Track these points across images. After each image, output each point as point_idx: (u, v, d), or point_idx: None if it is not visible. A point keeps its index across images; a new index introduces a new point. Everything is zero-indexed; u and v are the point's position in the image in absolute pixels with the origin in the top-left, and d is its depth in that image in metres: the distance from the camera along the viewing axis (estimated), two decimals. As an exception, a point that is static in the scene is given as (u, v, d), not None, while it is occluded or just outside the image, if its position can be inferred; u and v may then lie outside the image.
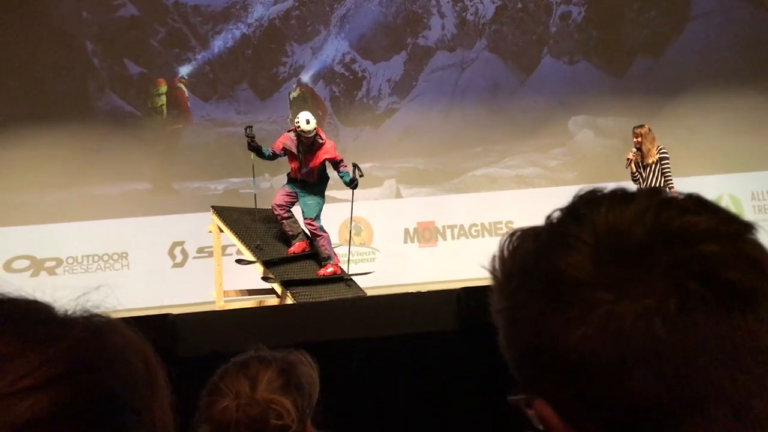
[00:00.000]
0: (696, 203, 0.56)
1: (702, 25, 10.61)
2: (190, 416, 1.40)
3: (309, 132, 6.24)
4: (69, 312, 0.54)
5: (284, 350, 1.56)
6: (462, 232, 9.88)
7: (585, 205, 0.58)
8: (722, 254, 0.52)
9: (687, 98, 10.28)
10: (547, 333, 0.55)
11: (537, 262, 0.57)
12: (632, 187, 0.61)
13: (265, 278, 6.22)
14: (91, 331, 0.52)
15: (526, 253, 0.58)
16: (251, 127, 6.51)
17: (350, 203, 6.92)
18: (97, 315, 0.54)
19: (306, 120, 6.24)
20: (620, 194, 0.58)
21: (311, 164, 6.38)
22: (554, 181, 10.11)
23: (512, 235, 0.61)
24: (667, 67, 10.52)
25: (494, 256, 0.62)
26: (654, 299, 0.51)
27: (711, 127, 10.26)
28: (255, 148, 6.43)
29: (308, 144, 6.32)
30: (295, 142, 6.36)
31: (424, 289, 6.25)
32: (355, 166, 6.61)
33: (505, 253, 0.61)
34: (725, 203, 9.95)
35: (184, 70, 10.20)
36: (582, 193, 0.60)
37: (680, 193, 0.58)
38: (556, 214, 0.60)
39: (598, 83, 10.48)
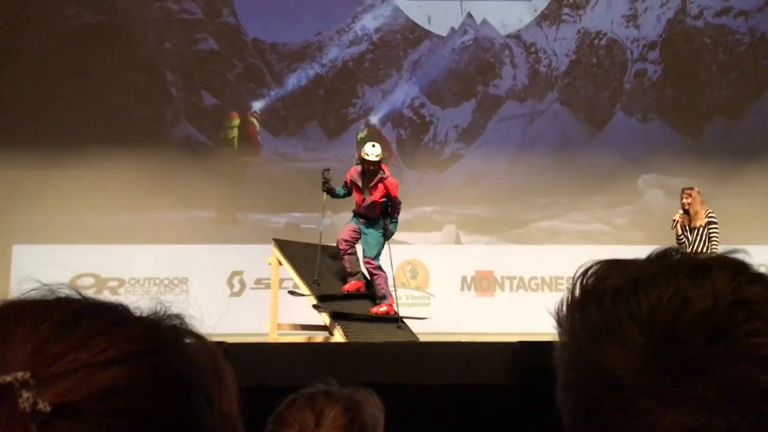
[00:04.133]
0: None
1: (784, 90, 10.31)
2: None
3: (372, 156, 6.35)
4: (145, 313, 0.60)
5: (352, 387, 1.55)
6: (521, 284, 9.69)
7: (649, 280, 0.52)
8: None
9: (763, 163, 9.94)
10: (593, 427, 0.51)
11: (590, 347, 0.52)
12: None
13: (316, 306, 6.25)
14: (165, 324, 0.59)
15: (585, 325, 0.54)
16: (329, 170, 6.76)
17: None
18: (169, 316, 0.61)
19: (372, 144, 6.48)
20: (692, 270, 0.51)
21: (373, 197, 6.43)
22: (620, 239, 9.85)
23: (585, 274, 0.56)
24: (745, 130, 10.22)
25: (563, 299, 0.57)
26: (701, 418, 0.46)
27: (788, 195, 9.88)
28: (328, 190, 6.60)
29: (371, 175, 6.41)
30: (360, 173, 6.46)
31: (478, 339, 6.13)
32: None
33: (577, 294, 0.56)
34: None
35: (258, 105, 10.46)
36: (654, 255, 0.55)
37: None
38: (623, 281, 0.54)
39: (671, 143, 10.24)
